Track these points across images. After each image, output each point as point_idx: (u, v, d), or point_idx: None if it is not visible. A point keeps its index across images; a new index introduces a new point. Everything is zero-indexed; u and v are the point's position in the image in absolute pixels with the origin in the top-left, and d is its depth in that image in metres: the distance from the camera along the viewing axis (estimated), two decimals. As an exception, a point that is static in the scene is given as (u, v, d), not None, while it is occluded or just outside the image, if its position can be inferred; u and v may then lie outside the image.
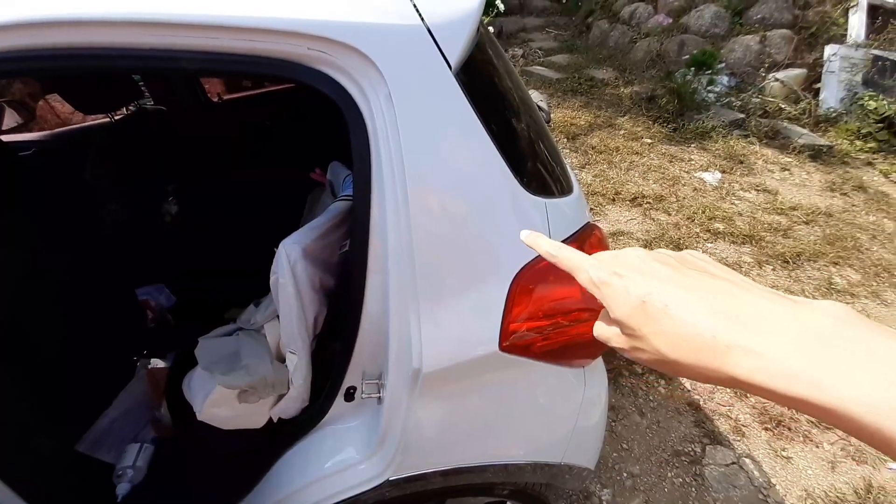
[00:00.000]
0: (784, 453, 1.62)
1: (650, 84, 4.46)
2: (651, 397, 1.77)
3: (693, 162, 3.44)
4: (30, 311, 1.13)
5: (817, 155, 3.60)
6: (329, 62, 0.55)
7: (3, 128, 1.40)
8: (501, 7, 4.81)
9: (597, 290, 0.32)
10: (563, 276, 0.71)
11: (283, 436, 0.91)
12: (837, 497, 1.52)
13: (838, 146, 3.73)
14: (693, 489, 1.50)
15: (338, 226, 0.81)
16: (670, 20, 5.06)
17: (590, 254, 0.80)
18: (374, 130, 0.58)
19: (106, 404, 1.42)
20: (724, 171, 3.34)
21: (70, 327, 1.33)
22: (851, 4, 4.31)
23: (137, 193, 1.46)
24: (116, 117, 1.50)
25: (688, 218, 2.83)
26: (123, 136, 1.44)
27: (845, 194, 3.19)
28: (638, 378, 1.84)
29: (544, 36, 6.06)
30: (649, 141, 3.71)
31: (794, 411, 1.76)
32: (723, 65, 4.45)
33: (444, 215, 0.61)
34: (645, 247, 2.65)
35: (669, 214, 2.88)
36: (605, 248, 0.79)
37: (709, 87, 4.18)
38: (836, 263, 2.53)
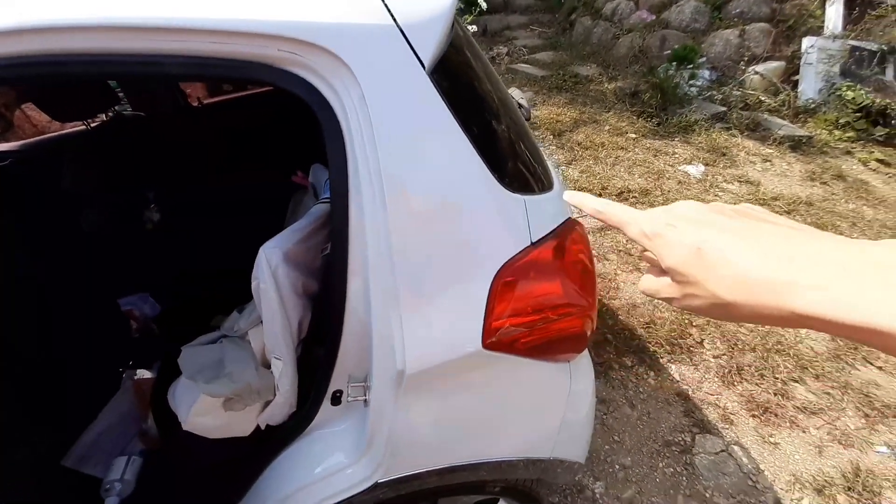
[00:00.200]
0: (771, 439, 1.65)
1: (633, 79, 4.51)
2: (641, 389, 1.79)
3: (677, 155, 3.49)
4: (10, 323, 1.11)
5: (797, 145, 3.67)
6: (300, 63, 0.55)
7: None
8: (484, 6, 4.82)
9: (648, 242, 0.32)
10: (544, 273, 0.72)
11: (271, 443, 0.90)
12: (825, 481, 1.55)
13: (817, 136, 3.81)
14: (684, 478, 1.52)
15: (319, 229, 0.80)
16: (652, 16, 5.12)
17: (572, 250, 0.81)
18: (350, 132, 0.57)
19: (92, 417, 1.40)
20: (707, 164, 3.39)
21: (52, 339, 1.30)
22: (827, -3, 4.40)
23: (117, 201, 1.43)
24: (93, 124, 1.47)
25: (673, 211, 2.86)
26: (101, 144, 1.42)
27: (825, 183, 3.26)
28: (628, 371, 1.86)
29: (528, 34, 6.08)
30: (634, 136, 3.75)
31: (780, 396, 1.79)
32: (704, 59, 4.51)
33: (422, 216, 0.61)
34: (631, 240, 2.67)
35: (655, 208, 2.91)
36: (586, 243, 0.80)
37: (691, 82, 4.23)
38: (818, 251, 2.58)
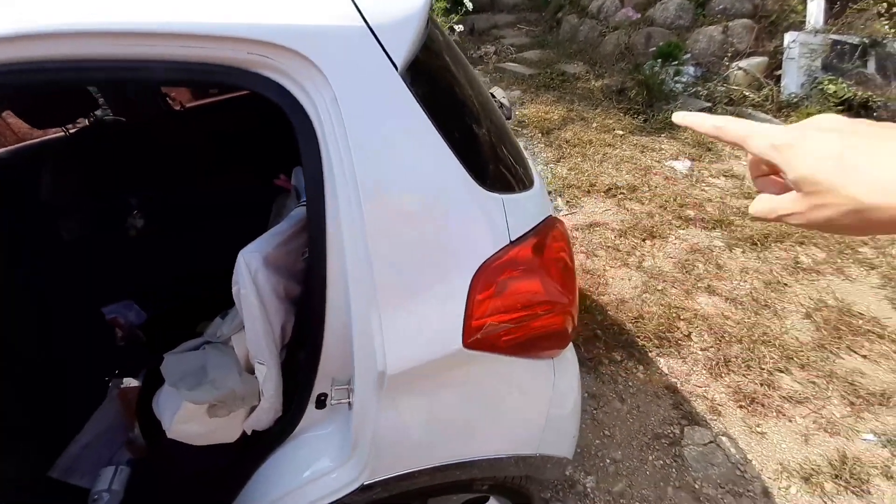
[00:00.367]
0: (759, 429, 1.67)
1: (620, 77, 4.55)
2: (630, 383, 1.81)
3: (663, 151, 3.52)
4: None
5: (781, 139, 3.72)
6: (271, 66, 0.55)
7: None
8: (469, 5, 4.83)
9: (776, 154, 0.31)
10: (523, 271, 0.72)
11: (257, 448, 0.90)
12: (812, 469, 1.58)
13: (800, 130, 3.87)
14: (673, 470, 1.54)
15: (300, 232, 0.80)
16: (637, 14, 5.16)
17: (552, 247, 0.81)
18: (323, 134, 0.57)
19: (78, 427, 1.38)
20: (693, 159, 3.43)
21: (36, 349, 1.28)
22: (808, -8, 4.46)
23: (98, 208, 1.41)
24: (73, 131, 1.45)
25: (660, 206, 2.90)
26: (80, 150, 1.40)
27: (808, 176, 3.31)
28: (617, 365, 1.88)
29: (516, 32, 6.10)
30: (621, 132, 3.78)
31: (766, 387, 1.82)
32: (688, 55, 4.56)
33: (398, 217, 0.61)
34: (619, 236, 2.70)
35: (643, 203, 2.94)
36: (566, 240, 0.80)
37: (676, 78, 4.28)
38: (802, 243, 2.63)
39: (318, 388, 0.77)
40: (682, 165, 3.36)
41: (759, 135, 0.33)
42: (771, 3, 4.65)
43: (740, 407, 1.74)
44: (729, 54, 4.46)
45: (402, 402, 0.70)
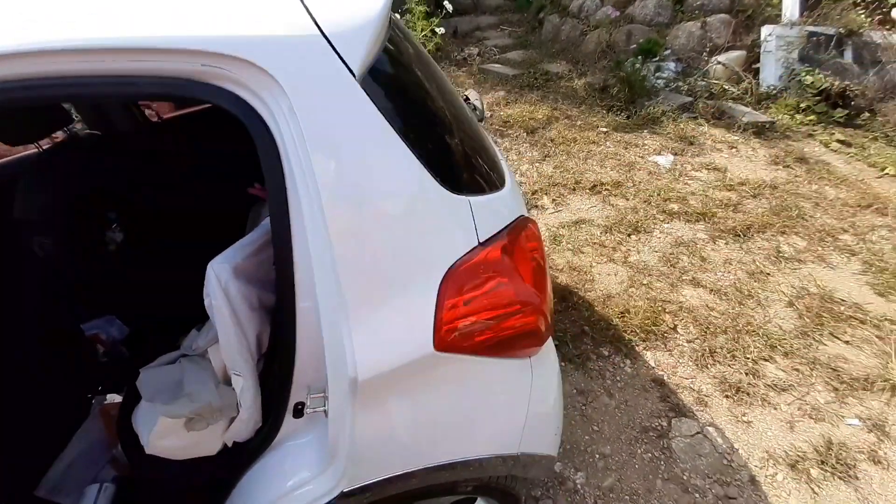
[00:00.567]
0: (744, 418, 1.69)
1: (602, 74, 4.59)
2: (618, 378, 1.83)
3: (647, 147, 3.56)
4: None
5: (761, 131, 3.78)
6: (227, 77, 0.55)
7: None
8: (450, 8, 4.85)
9: None
10: (493, 272, 0.72)
11: (239, 459, 0.90)
12: (798, 456, 1.60)
13: (780, 121, 3.93)
14: (662, 462, 1.55)
15: (271, 241, 0.80)
16: (617, 12, 5.21)
17: (523, 248, 0.82)
18: (283, 143, 0.57)
19: (63, 446, 1.36)
20: (676, 154, 3.47)
21: (14, 369, 1.26)
22: (783, -14, 4.54)
23: (75, 223, 1.40)
24: (46, 146, 1.43)
25: (644, 201, 2.93)
26: (54, 166, 1.38)
27: (788, 166, 3.37)
28: (605, 360, 1.90)
29: (499, 33, 6.14)
30: (605, 130, 3.82)
31: (751, 376, 1.84)
32: (669, 51, 4.62)
33: (362, 223, 0.62)
34: (605, 232, 2.73)
35: (627, 199, 2.97)
36: (538, 240, 0.81)
37: (657, 74, 4.33)
38: (784, 232, 2.67)
39: (295, 397, 0.77)
40: (664, 160, 3.40)
41: None
42: (747, -2, 4.73)
43: (726, 397, 1.76)
44: (708, 49, 4.52)
45: (377, 408, 0.71)
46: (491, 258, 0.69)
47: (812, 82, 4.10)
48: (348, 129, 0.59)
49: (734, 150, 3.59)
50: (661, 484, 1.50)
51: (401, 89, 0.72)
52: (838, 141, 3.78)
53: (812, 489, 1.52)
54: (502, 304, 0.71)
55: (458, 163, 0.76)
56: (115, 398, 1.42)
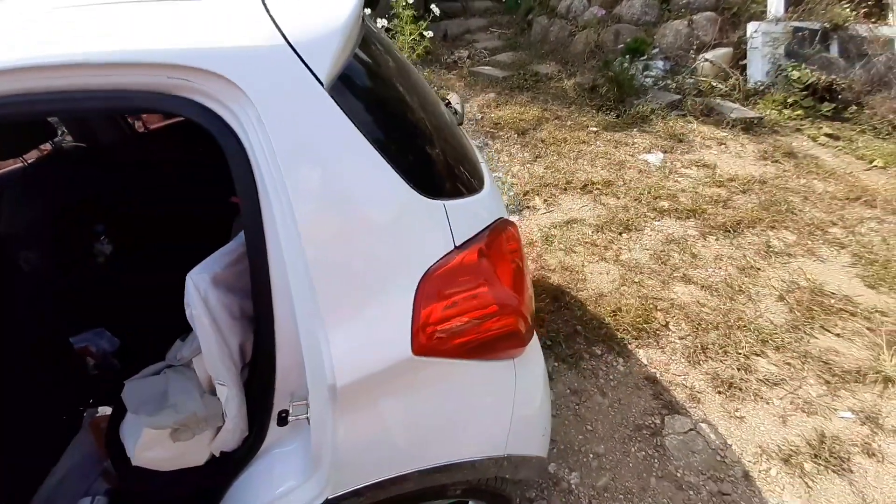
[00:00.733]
0: (737, 413, 1.70)
1: (591, 74, 4.62)
2: (611, 376, 1.83)
3: (636, 145, 3.58)
4: None
5: (749, 127, 3.81)
6: (193, 89, 0.55)
7: None
8: (438, 11, 4.88)
9: None
10: (470, 275, 0.73)
11: (227, 469, 0.90)
12: (791, 450, 1.61)
13: (768, 117, 3.96)
14: (655, 460, 1.55)
15: (251, 250, 0.80)
16: (604, 11, 5.25)
17: (501, 250, 0.82)
18: (253, 154, 0.58)
19: (56, 460, 1.35)
20: (665, 151, 3.49)
21: (2, 386, 1.26)
22: (767, -17, 4.58)
23: (62, 236, 1.40)
24: (31, 160, 1.43)
25: (635, 199, 2.94)
26: (39, 179, 1.38)
27: (777, 161, 3.39)
28: (598, 359, 1.90)
29: (488, 36, 6.17)
30: (595, 129, 3.84)
31: (743, 371, 1.85)
32: (656, 50, 4.65)
33: (335, 231, 0.62)
34: (596, 231, 2.74)
35: (618, 198, 2.98)
36: (517, 241, 0.82)
37: (645, 73, 4.36)
38: (773, 227, 2.69)
39: (279, 405, 0.78)
40: (654, 158, 3.42)
41: None
42: (733, -5, 4.77)
43: (719, 393, 1.77)
44: (695, 47, 4.56)
45: (358, 414, 0.71)
46: (467, 262, 0.70)
47: (799, 77, 4.14)
48: (317, 137, 0.60)
49: (723, 146, 3.61)
50: (655, 482, 1.50)
51: (373, 95, 0.73)
52: (826, 135, 3.81)
53: (806, 483, 1.52)
54: (480, 307, 0.71)
55: (433, 167, 0.76)
56: (105, 411, 1.41)
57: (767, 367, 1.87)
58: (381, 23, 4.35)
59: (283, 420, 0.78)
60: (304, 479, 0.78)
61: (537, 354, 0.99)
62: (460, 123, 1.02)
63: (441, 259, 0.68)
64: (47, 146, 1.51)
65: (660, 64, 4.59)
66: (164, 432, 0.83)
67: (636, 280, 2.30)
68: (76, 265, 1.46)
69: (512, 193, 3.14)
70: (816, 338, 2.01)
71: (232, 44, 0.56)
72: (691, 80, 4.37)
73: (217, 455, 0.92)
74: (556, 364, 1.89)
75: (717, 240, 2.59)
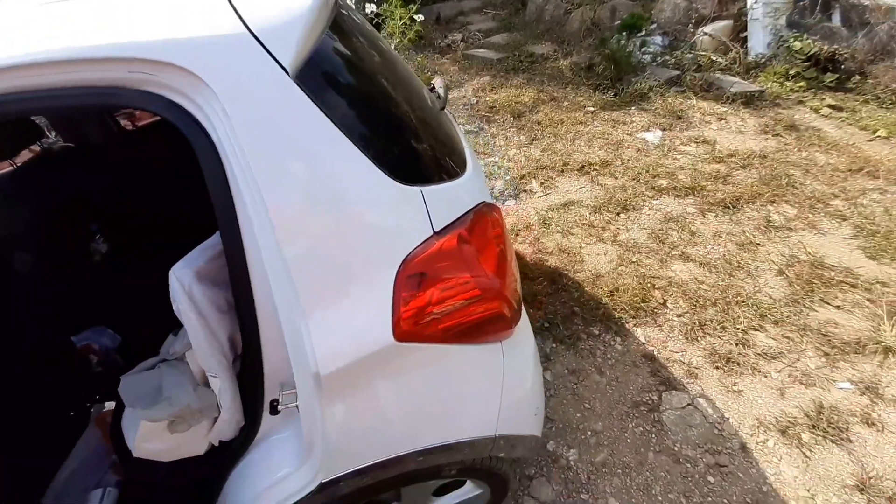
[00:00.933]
0: (735, 388, 1.71)
1: (588, 53, 4.53)
2: (609, 356, 1.84)
3: (634, 124, 3.53)
4: None
5: (750, 101, 3.73)
6: (157, 83, 0.55)
7: None
8: (427, -6, 4.78)
9: None
10: (450, 261, 0.73)
11: (226, 457, 0.92)
12: (789, 421, 1.62)
13: (769, 90, 3.88)
14: (653, 435, 1.57)
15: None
16: (600, -14, 5.11)
17: (483, 234, 0.82)
18: (221, 146, 0.58)
19: (65, 456, 1.40)
20: (664, 129, 3.43)
21: (8, 388, 1.29)
22: (766, -50, 4.43)
23: (56, 237, 1.41)
24: (21, 162, 1.43)
25: (633, 178, 2.91)
26: (28, 180, 1.39)
27: (778, 135, 3.33)
28: (595, 339, 1.91)
29: (482, 17, 6.05)
30: (592, 109, 3.78)
31: (741, 346, 1.85)
32: (654, 25, 4.54)
33: (308, 221, 0.62)
34: (594, 212, 2.72)
35: (616, 178, 2.95)
36: (500, 225, 0.81)
37: (643, 49, 4.27)
38: (773, 202, 2.65)
39: (270, 394, 0.79)
40: (653, 136, 3.37)
41: None
42: (732, -36, 4.62)
43: (716, 368, 1.77)
44: (694, 20, 4.44)
45: (346, 400, 0.72)
46: (447, 247, 0.70)
47: (801, 48, 4.03)
48: (285, 126, 0.59)
49: (723, 121, 3.55)
50: (653, 456, 1.52)
51: (344, 81, 0.72)
52: (829, 106, 3.73)
53: (804, 453, 1.53)
54: (462, 292, 0.71)
55: (409, 153, 0.76)
56: (111, 406, 1.45)
57: (766, 341, 1.87)
58: (370, 7, 4.26)
59: (274, 409, 0.80)
60: (298, 465, 0.80)
61: (527, 336, 1.00)
62: (442, 108, 1.01)
63: (420, 245, 0.68)
64: (36, 147, 1.51)
65: (658, 39, 4.48)
66: (162, 424, 0.86)
67: (634, 260, 2.29)
68: (72, 265, 1.48)
69: (508, 178, 3.11)
70: (816, 311, 2.00)
71: (192, 34, 0.55)
72: (690, 55, 4.27)
73: (216, 445, 0.94)
74: (554, 345, 1.91)
75: (716, 216, 2.57)
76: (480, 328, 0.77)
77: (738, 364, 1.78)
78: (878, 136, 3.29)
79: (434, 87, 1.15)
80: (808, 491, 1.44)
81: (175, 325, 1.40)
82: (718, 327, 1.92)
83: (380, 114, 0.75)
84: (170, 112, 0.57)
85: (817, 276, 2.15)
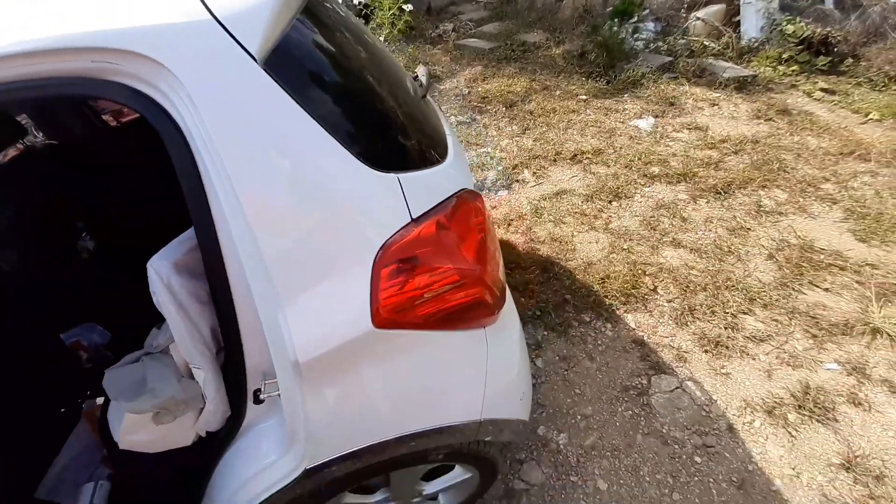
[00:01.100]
0: (723, 370, 1.73)
1: (580, 41, 4.49)
2: (600, 342, 1.86)
3: (627, 111, 3.51)
4: None
5: (743, 86, 3.72)
6: (121, 72, 0.54)
7: None
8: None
9: None
10: (429, 247, 0.73)
11: (213, 447, 0.93)
12: (775, 402, 1.64)
13: (762, 74, 3.86)
14: (642, 418, 1.59)
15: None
16: (592, -28, 5.05)
17: (463, 221, 0.82)
18: (190, 135, 0.57)
19: (58, 451, 1.41)
20: (657, 116, 3.42)
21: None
22: (759, -68, 4.38)
23: (41, 235, 1.40)
24: (2, 160, 1.42)
25: (625, 166, 2.91)
26: (10, 179, 1.38)
27: (770, 119, 3.33)
28: (587, 326, 1.92)
29: (474, 7, 5.98)
30: (584, 97, 3.76)
31: (730, 329, 1.87)
32: (647, 11, 4.50)
33: (281, 209, 0.62)
34: (586, 201, 2.72)
35: (608, 166, 2.95)
36: (480, 211, 0.81)
37: (635, 36, 4.23)
38: (765, 187, 2.66)
39: (253, 384, 0.79)
40: (645, 123, 3.36)
41: None
42: (725, -53, 4.57)
43: (705, 352, 1.79)
44: (686, 5, 4.41)
45: (327, 387, 0.73)
46: (425, 234, 0.70)
47: (793, 31, 4.01)
48: (254, 114, 0.59)
49: (716, 107, 3.54)
50: (642, 438, 1.54)
51: (316, 68, 0.71)
52: (822, 89, 3.72)
53: (789, 433, 1.56)
54: (441, 278, 0.72)
55: (385, 140, 0.75)
56: (102, 401, 1.45)
57: (755, 325, 1.89)
58: (359, -2, 4.20)
59: (258, 399, 0.81)
60: (283, 453, 0.81)
61: (512, 322, 1.00)
62: (424, 95, 1.00)
63: (398, 233, 0.68)
64: (20, 146, 1.49)
65: (650, 26, 4.45)
66: (146, 416, 0.86)
67: (625, 247, 2.30)
68: (60, 263, 1.47)
69: (501, 168, 3.10)
70: (805, 293, 2.02)
71: (154, 21, 0.54)
72: (683, 41, 4.24)
73: (203, 435, 0.95)
74: (545, 333, 1.92)
75: (707, 202, 2.57)
76: (462, 314, 0.78)
77: (727, 347, 1.80)
78: (871, 119, 3.29)
79: (417, 76, 1.14)
80: (794, 469, 1.46)
81: (164, 320, 1.40)
82: (708, 312, 1.94)
83: (354, 101, 0.75)
84: (135, 101, 0.56)
85: (807, 259, 2.16)
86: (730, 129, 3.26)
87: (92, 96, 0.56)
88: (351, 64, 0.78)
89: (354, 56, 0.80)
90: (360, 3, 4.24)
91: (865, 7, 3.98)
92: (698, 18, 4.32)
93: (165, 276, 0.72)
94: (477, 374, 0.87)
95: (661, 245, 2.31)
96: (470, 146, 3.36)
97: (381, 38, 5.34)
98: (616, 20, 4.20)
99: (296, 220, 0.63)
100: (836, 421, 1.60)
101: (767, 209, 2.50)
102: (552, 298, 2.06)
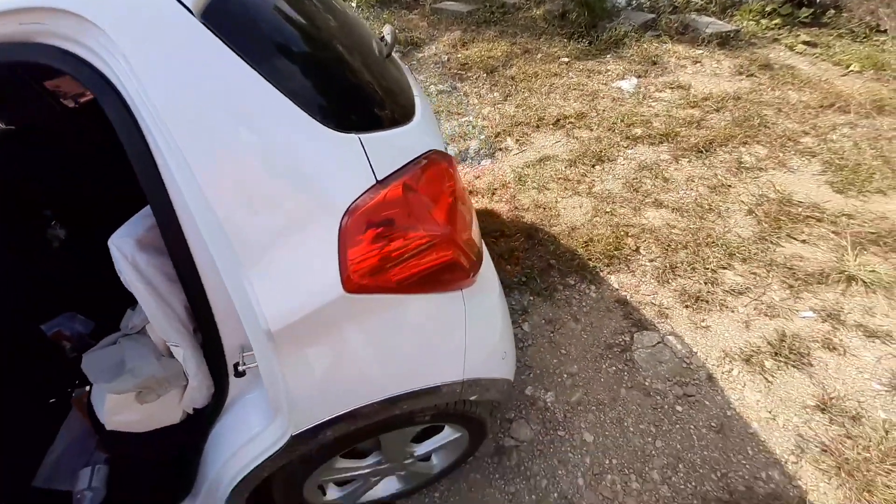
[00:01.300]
0: (703, 324, 1.78)
1: (561, 0, 4.34)
2: (584, 303, 1.89)
3: (610, 73, 3.45)
4: None
5: (725, 41, 3.65)
6: (50, 33, 0.51)
7: None
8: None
9: None
10: (396, 209, 0.72)
11: (201, 423, 0.94)
12: (752, 351, 1.70)
13: (745, 29, 3.79)
14: (625, 373, 1.65)
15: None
16: (571, -75, 4.82)
17: (432, 181, 0.80)
18: (130, 97, 0.54)
19: (52, 441, 1.41)
20: (639, 76, 3.37)
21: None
22: None
23: (8, 225, 1.36)
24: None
25: (608, 129, 2.88)
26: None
27: (752, 75, 3.29)
28: (571, 289, 1.95)
29: (450, -33, 5.70)
30: (566, 60, 3.67)
31: (710, 284, 1.91)
32: (628, -36, 4.34)
33: (235, 174, 0.60)
34: (569, 166, 2.71)
35: (591, 130, 2.92)
36: (448, 171, 0.80)
37: (617, -9, 4.10)
38: (746, 143, 2.66)
39: (232, 358, 0.79)
40: (628, 84, 3.31)
41: None
42: None
43: (686, 307, 1.84)
44: (668, -43, 4.26)
45: (304, 354, 0.73)
46: (391, 196, 0.69)
47: (777, -18, 3.92)
48: (195, 70, 0.55)
49: (698, 64, 3.48)
50: (625, 392, 1.60)
51: (264, 23, 0.67)
52: (804, 42, 3.68)
53: (766, 379, 1.63)
54: (410, 241, 0.71)
55: (343, 99, 0.72)
56: (89, 389, 1.45)
57: (734, 279, 1.93)
58: (328, -38, 3.97)
59: (238, 372, 0.81)
60: (268, 423, 0.82)
61: (491, 284, 1.01)
62: (388, 55, 0.96)
63: (363, 195, 0.67)
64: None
65: (631, -20, 4.30)
66: (130, 396, 0.86)
67: (608, 210, 2.31)
68: (31, 253, 1.43)
69: (483, 137, 3.05)
70: (783, 246, 2.06)
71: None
72: (665, -4, 4.13)
73: (191, 412, 0.96)
74: (531, 298, 1.95)
75: (689, 161, 2.58)
76: (437, 277, 0.78)
77: (707, 302, 1.84)
78: (851, 71, 3.28)
79: (384, 37, 1.09)
80: (770, 412, 1.53)
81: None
82: (689, 269, 1.97)
83: (308, 58, 0.71)
84: (66, 63, 0.53)
85: (785, 212, 2.20)
86: (712, 86, 3.22)
87: (23, 62, 0.52)
88: (304, 18, 0.74)
89: (309, 11, 0.76)
90: (328, -33, 4.01)
91: (849, -47, 3.89)
92: (681, -29, 4.19)
93: (129, 253, 0.70)
94: (457, 336, 0.88)
95: (644, 206, 2.32)
96: (451, 116, 3.28)
97: (354, 4, 5.10)
98: (597, -24, 4.05)
99: (253, 186, 0.61)
100: (811, 366, 1.67)
101: (748, 165, 2.51)
102: (537, 264, 2.08)
